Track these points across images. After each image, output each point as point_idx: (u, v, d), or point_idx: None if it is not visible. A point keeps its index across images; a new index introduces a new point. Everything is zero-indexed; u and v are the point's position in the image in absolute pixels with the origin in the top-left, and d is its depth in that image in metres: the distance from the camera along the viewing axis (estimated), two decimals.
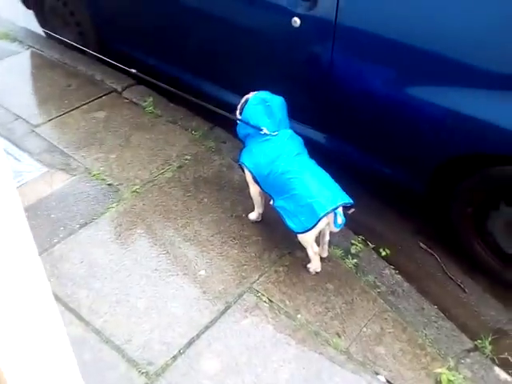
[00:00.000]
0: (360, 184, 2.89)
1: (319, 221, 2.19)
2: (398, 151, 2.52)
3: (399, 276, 2.48)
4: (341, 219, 2.24)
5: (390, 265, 2.55)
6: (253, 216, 2.60)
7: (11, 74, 3.55)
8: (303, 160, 2.34)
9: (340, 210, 2.23)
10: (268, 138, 2.36)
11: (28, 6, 3.99)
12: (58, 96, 3.36)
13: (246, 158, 2.44)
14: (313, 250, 2.34)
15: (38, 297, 0.92)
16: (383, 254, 2.62)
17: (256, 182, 2.42)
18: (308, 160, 2.36)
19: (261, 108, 2.38)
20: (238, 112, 2.48)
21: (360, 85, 2.41)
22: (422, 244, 2.78)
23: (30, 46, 3.84)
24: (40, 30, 4.06)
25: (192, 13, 2.90)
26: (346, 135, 2.71)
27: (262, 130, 2.35)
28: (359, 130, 2.61)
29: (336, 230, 2.29)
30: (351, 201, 2.24)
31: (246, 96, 2.47)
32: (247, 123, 2.40)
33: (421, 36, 2.15)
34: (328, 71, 2.46)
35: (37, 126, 3.10)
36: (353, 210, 2.79)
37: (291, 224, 2.27)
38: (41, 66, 3.66)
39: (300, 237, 2.31)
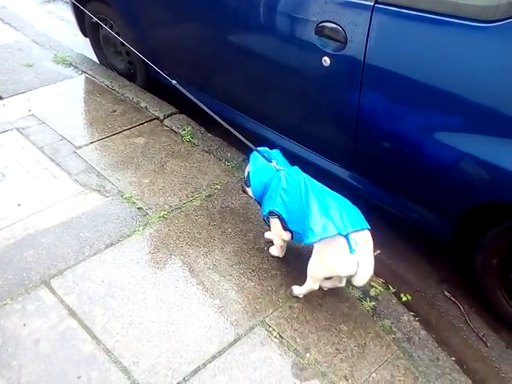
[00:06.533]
0: (387, 226, 2.86)
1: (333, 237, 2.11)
2: (423, 195, 2.49)
3: (417, 323, 2.41)
4: (354, 243, 2.11)
5: (410, 311, 2.49)
6: (274, 252, 2.61)
7: (62, 97, 3.74)
8: (325, 189, 2.28)
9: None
10: (281, 175, 2.36)
11: (85, 34, 4.21)
12: (103, 120, 3.51)
13: (271, 205, 2.38)
14: (312, 286, 2.36)
15: None
16: (404, 299, 2.57)
17: (285, 227, 2.37)
18: (331, 191, 2.30)
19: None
20: (244, 183, 2.63)
21: (386, 126, 2.41)
22: (446, 292, 2.71)
23: (84, 72, 4.04)
24: (95, 57, 4.29)
25: (230, 48, 2.99)
26: (372, 175, 2.70)
27: (271, 161, 2.42)
28: (386, 171, 2.60)
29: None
30: (368, 225, 2.18)
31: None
32: (263, 155, 2.45)
33: (447, 81, 2.13)
34: (356, 110, 2.47)
35: (79, 147, 3.24)
36: (378, 251, 2.75)
37: (309, 234, 2.18)
38: (91, 91, 3.84)
39: (310, 272, 2.30)
